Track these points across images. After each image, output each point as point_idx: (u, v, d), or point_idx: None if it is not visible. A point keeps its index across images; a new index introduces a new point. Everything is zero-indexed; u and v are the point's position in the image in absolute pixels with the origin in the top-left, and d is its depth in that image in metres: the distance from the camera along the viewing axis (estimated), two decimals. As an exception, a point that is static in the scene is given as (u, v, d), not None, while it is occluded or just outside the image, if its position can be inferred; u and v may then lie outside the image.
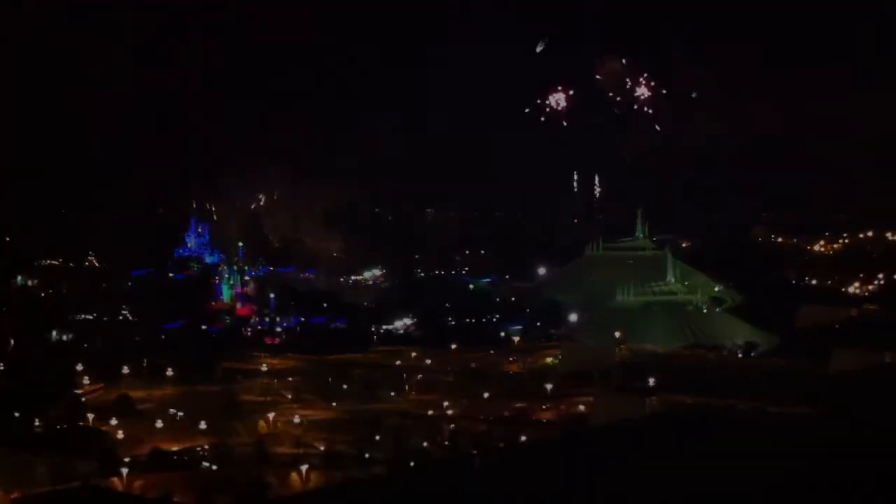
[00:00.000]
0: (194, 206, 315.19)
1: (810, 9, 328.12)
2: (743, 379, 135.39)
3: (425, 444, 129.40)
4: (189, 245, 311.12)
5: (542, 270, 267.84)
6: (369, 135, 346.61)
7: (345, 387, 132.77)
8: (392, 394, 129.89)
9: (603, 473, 26.08)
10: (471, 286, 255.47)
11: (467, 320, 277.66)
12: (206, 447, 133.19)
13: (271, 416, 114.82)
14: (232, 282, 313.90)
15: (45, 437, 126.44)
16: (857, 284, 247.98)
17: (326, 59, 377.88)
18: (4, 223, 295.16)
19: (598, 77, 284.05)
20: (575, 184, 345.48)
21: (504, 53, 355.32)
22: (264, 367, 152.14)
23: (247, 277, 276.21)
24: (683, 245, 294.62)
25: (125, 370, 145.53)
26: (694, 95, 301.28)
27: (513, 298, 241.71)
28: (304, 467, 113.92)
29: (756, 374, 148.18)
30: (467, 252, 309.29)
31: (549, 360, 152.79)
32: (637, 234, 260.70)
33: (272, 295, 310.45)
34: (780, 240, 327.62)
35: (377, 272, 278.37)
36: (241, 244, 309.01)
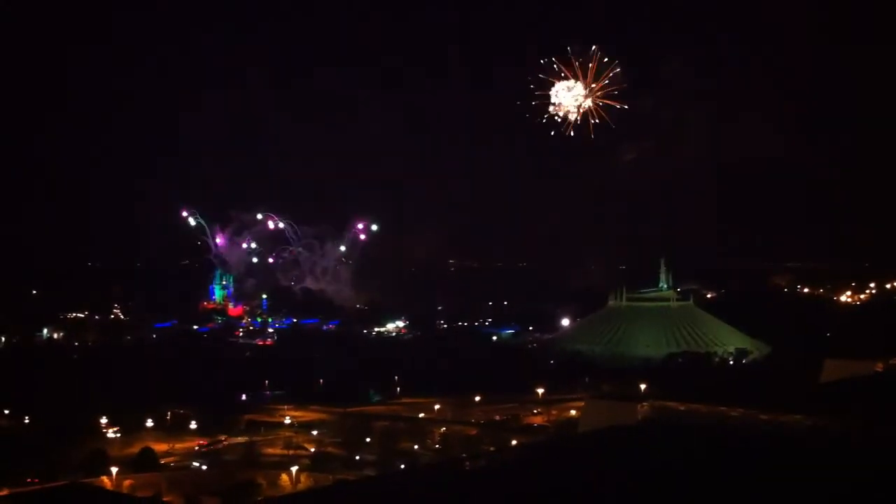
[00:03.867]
0: (219, 257, 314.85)
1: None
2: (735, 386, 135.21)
3: (416, 447, 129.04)
4: (214, 297, 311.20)
5: (565, 321, 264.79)
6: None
7: (367, 440, 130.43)
8: (416, 447, 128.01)
9: (591, 478, 26.09)
10: (494, 337, 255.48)
11: (460, 323, 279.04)
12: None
13: (294, 469, 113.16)
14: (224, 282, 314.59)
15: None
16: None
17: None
18: (31, 276, 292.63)
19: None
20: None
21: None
22: (287, 420, 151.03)
23: (270, 329, 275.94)
24: (708, 295, 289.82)
25: (149, 422, 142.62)
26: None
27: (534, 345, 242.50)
28: (294, 469, 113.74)
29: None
30: (490, 303, 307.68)
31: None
32: (660, 283, 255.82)
33: (264, 296, 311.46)
34: (805, 290, 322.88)
35: (400, 324, 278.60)
36: (264, 296, 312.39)
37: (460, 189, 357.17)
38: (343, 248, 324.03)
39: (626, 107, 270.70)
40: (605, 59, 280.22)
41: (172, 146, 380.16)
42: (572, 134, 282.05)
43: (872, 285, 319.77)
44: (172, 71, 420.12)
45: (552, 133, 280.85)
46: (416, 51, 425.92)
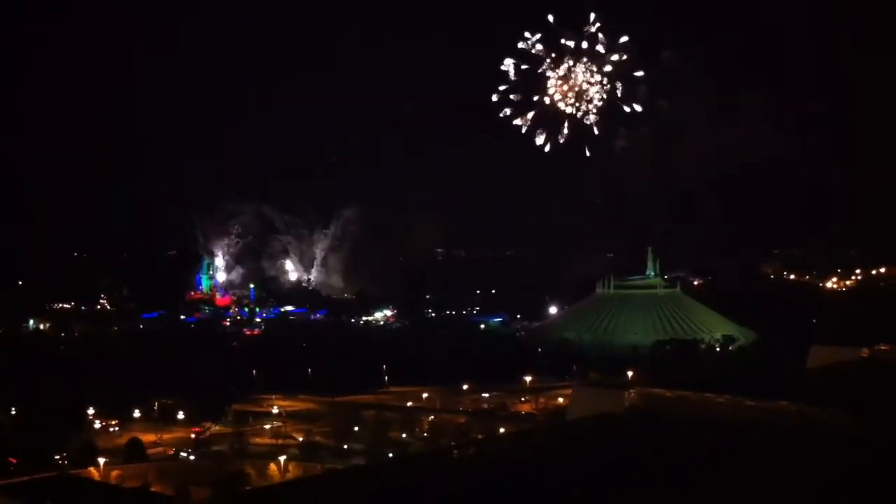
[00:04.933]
0: (206, 247, 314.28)
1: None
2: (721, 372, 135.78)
3: (404, 435, 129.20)
4: (201, 287, 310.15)
5: (552, 309, 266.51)
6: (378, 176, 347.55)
7: (356, 429, 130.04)
8: (404, 436, 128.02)
9: (578, 466, 26.09)
10: (482, 325, 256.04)
11: (448, 312, 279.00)
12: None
13: (282, 459, 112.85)
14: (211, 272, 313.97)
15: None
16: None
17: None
18: (17, 267, 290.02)
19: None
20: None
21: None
22: (275, 410, 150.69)
23: (258, 319, 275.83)
24: (695, 283, 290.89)
25: (136, 413, 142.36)
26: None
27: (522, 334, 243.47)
28: (282, 458, 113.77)
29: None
30: (478, 291, 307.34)
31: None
32: (648, 271, 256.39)
33: (252, 286, 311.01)
34: (792, 277, 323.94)
35: (388, 312, 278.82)
36: (252, 286, 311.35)
37: (449, 178, 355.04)
38: (331, 238, 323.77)
39: (638, 109, 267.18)
40: (595, 48, 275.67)
41: (160, 135, 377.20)
42: (561, 140, 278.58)
43: (858, 272, 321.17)
44: (161, 61, 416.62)
45: (539, 140, 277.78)
46: (400, 37, 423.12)
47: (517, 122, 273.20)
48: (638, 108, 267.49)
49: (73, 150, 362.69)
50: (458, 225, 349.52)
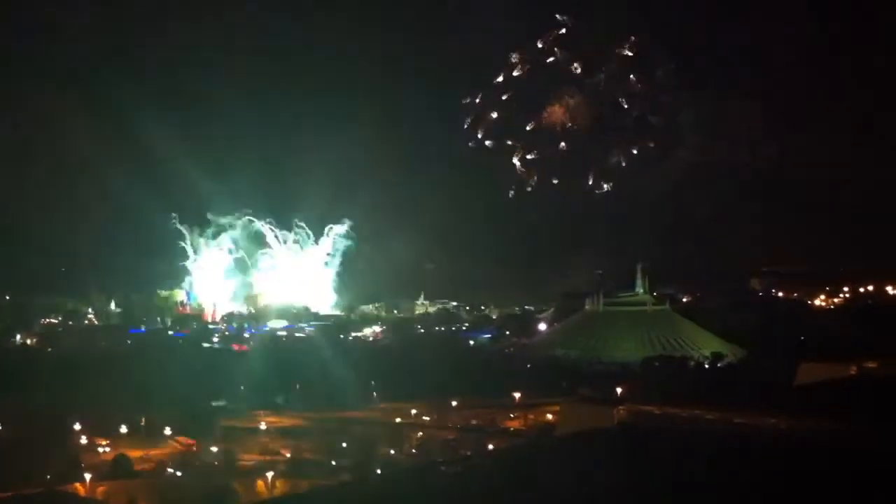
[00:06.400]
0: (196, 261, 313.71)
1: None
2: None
3: (392, 451, 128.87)
4: (190, 302, 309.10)
5: (542, 326, 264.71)
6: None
7: (344, 445, 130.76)
8: (392, 452, 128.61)
9: (568, 482, 26.10)
10: (471, 342, 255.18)
11: (437, 328, 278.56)
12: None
13: (270, 475, 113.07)
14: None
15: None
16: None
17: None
18: (3, 281, 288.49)
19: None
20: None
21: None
22: (263, 426, 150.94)
23: (246, 335, 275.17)
24: (684, 299, 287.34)
25: (123, 429, 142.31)
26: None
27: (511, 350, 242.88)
28: (269, 474, 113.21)
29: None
30: (467, 307, 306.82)
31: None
32: (637, 288, 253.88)
33: (241, 301, 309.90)
34: (780, 294, 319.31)
35: (377, 328, 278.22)
36: (241, 301, 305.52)
37: (439, 193, 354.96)
38: (321, 253, 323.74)
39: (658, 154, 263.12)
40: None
41: (150, 148, 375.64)
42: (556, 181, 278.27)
43: (846, 289, 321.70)
44: (149, 70, 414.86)
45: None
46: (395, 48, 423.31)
47: (489, 143, 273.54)
48: (657, 147, 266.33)
49: (68, 160, 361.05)
50: (449, 240, 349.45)
